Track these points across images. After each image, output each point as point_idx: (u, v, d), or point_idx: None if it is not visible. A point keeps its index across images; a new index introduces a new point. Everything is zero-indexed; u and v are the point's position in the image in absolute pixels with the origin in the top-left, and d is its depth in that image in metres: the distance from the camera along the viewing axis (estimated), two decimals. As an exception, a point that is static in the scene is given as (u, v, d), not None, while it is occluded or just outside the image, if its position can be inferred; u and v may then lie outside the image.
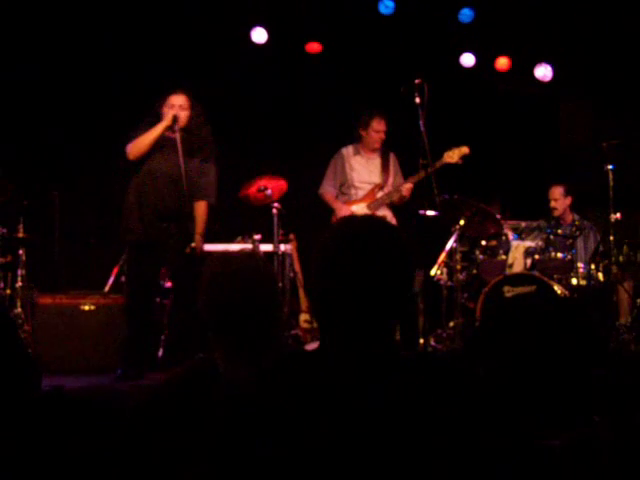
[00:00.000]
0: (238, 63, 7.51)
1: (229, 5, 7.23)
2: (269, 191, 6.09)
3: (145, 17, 7.09)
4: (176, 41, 7.25)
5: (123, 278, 6.17)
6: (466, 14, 7.55)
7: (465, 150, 6.04)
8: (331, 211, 6.22)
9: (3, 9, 6.67)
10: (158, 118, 5.14)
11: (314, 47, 7.76)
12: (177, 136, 4.99)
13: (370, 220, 1.70)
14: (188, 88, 5.27)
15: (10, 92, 6.95)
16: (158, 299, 5.86)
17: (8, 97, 6.95)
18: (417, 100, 5.73)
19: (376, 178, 6.26)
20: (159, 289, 5.64)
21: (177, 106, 5.12)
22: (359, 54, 7.68)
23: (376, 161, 6.30)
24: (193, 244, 4.93)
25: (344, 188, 6.27)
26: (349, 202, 6.22)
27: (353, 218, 1.71)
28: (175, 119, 5.04)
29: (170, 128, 5.07)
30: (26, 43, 6.97)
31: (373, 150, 6.27)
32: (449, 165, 6.01)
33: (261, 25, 7.49)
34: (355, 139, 6.33)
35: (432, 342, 6.22)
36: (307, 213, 6.85)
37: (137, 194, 5.12)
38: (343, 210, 6.13)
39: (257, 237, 6.14)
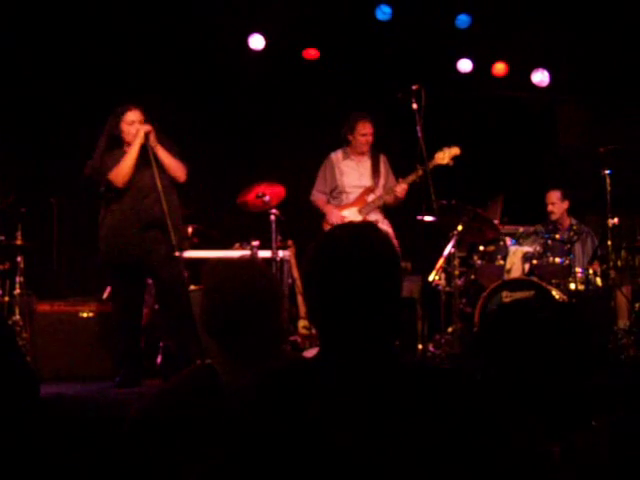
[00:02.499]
0: (236, 70, 7.52)
1: (226, 12, 7.24)
2: (267, 197, 6.09)
3: (143, 25, 7.09)
4: (174, 48, 7.26)
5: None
6: (463, 20, 7.56)
7: (456, 151, 6.05)
8: (322, 217, 6.25)
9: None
10: (116, 138, 5.15)
11: (311, 53, 7.77)
12: (150, 151, 5.01)
13: (359, 227, 1.71)
14: (139, 102, 5.24)
15: (10, 98, 6.95)
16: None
17: (7, 103, 6.96)
18: (414, 106, 5.74)
19: (367, 181, 6.28)
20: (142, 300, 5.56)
21: (137, 121, 5.11)
22: (356, 60, 7.70)
23: (366, 164, 6.32)
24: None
25: (335, 193, 6.31)
26: (340, 206, 6.24)
27: (342, 226, 1.73)
28: (147, 136, 5.04)
29: (145, 145, 5.06)
30: (25, 46, 6.98)
31: (362, 153, 6.29)
32: (440, 166, 6.02)
33: (258, 32, 7.50)
34: (343, 143, 6.35)
35: (431, 348, 6.20)
36: (305, 219, 6.84)
37: (121, 212, 5.12)
38: (334, 214, 6.15)
39: (255, 243, 6.13)
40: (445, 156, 6.03)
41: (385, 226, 6.20)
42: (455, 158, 6.04)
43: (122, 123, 5.13)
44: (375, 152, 6.35)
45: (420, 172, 5.86)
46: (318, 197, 6.34)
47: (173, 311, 5.16)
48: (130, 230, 5.08)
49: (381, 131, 6.35)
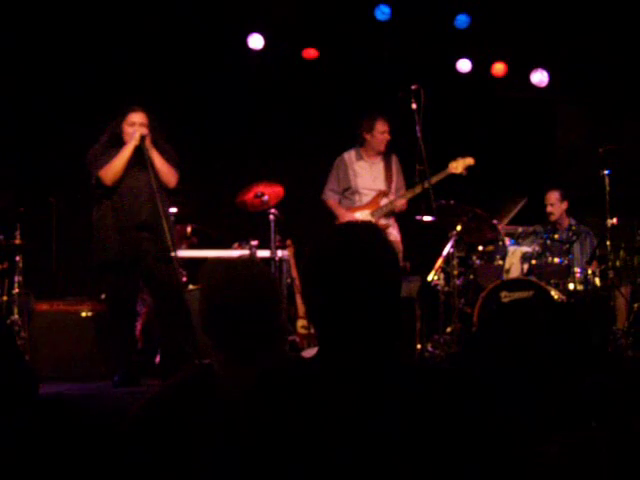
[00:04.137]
0: (235, 69, 7.52)
1: (226, 12, 7.24)
2: (266, 197, 6.10)
3: (142, 24, 7.09)
4: (173, 48, 7.25)
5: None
6: (462, 20, 7.56)
7: (470, 161, 6.12)
8: (332, 216, 6.25)
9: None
10: (117, 137, 5.17)
11: (311, 53, 7.77)
12: (146, 154, 5.05)
13: (358, 227, 1.72)
14: (144, 105, 5.27)
15: (10, 97, 6.95)
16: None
17: (7, 103, 6.95)
18: (414, 106, 5.75)
19: (380, 184, 6.29)
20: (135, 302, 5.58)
21: (138, 124, 5.14)
22: (356, 60, 7.69)
23: (379, 165, 6.32)
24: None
25: (348, 194, 6.31)
26: (352, 208, 6.24)
27: (341, 226, 1.73)
28: (143, 138, 5.08)
29: (139, 147, 5.09)
30: (25, 46, 6.98)
31: (377, 153, 6.29)
32: (453, 175, 6.08)
33: (258, 31, 7.50)
34: (357, 144, 6.34)
35: (429, 347, 6.21)
36: (304, 219, 6.85)
37: (114, 212, 5.15)
38: (346, 217, 6.15)
39: (254, 243, 6.14)
40: (459, 166, 6.10)
41: (395, 231, 6.28)
42: (468, 168, 6.12)
43: (124, 123, 5.17)
44: (387, 153, 6.35)
45: (419, 189, 5.95)
46: (330, 196, 6.34)
47: (167, 312, 5.18)
48: (124, 230, 5.10)
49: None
